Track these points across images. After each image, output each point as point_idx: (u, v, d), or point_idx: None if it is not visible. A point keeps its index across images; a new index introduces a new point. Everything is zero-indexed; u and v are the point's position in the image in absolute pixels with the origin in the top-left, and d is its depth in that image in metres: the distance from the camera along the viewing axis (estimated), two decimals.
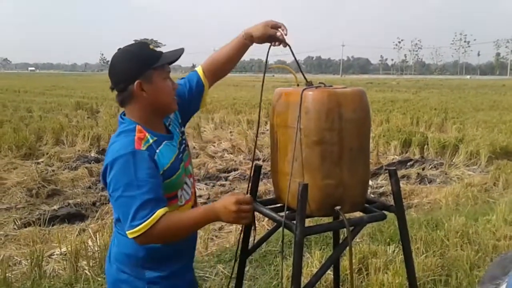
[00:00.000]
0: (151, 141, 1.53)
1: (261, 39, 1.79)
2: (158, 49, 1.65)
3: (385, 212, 1.81)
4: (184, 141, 1.73)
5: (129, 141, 1.49)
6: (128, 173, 1.44)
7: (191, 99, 1.81)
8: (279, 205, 1.90)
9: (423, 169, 8.13)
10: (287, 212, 1.67)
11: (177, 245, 1.62)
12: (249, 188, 1.96)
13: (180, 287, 1.70)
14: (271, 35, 1.78)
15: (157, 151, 1.53)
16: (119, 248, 1.63)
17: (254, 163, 2.00)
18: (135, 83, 1.52)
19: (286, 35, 1.79)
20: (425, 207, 6.00)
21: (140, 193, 1.41)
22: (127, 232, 1.44)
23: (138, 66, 1.53)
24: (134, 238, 1.43)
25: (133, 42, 1.82)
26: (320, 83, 1.76)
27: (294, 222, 1.61)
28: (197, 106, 1.86)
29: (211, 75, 1.85)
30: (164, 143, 1.58)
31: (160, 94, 1.57)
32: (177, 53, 1.61)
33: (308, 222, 1.66)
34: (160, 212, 1.42)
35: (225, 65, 1.87)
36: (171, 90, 1.61)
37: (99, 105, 19.44)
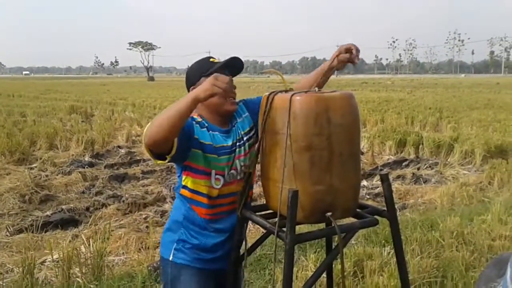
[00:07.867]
0: (203, 122, 1.91)
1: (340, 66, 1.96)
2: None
3: (377, 217, 1.78)
4: (243, 140, 1.99)
5: None
6: None
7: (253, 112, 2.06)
8: (269, 211, 1.87)
9: (418, 169, 8.13)
10: (278, 219, 1.63)
11: (212, 223, 1.94)
12: (244, 194, 1.89)
13: (203, 265, 1.97)
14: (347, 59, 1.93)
15: (202, 129, 1.88)
16: (173, 208, 2.05)
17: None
18: (190, 89, 1.91)
19: (358, 56, 1.92)
20: (420, 207, 5.98)
21: None
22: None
23: (193, 76, 1.97)
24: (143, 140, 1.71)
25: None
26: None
27: (285, 229, 1.57)
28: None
29: None
30: (216, 133, 1.92)
31: None
32: (223, 62, 1.95)
33: (300, 228, 1.64)
34: None
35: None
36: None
37: (94, 108, 19.38)
